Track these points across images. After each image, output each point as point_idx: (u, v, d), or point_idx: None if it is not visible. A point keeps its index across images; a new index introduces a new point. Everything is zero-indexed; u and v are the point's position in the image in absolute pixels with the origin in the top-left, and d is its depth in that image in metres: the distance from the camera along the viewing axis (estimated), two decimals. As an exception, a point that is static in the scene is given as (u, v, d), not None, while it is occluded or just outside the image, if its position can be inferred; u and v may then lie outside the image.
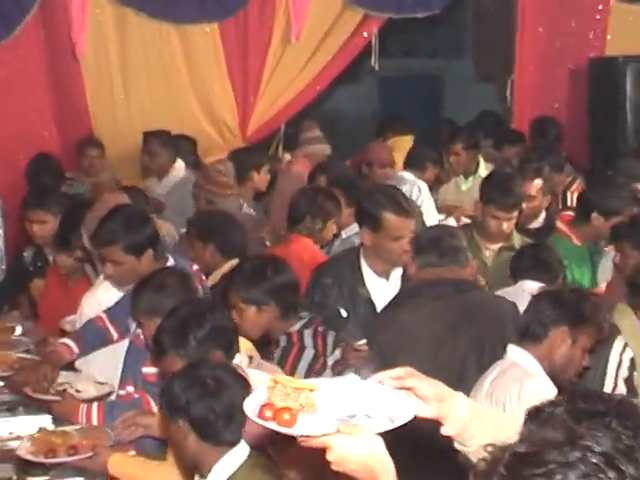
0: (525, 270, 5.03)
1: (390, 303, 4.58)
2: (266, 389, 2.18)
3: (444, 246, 4.38)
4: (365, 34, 8.53)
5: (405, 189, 6.39)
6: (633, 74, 9.20)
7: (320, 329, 4.50)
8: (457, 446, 2.44)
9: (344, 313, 4.78)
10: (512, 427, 2.03)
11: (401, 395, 2.27)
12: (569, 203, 7.21)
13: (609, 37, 9.47)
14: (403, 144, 8.52)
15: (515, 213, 5.51)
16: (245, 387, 3.14)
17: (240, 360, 3.76)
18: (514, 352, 3.89)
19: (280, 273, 4.42)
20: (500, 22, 10.27)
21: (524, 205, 5.79)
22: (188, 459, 3.26)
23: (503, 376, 3.80)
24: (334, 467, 2.14)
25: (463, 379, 4.14)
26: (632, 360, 4.30)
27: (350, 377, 2.27)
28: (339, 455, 2.12)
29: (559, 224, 5.89)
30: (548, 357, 3.81)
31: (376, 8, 8.40)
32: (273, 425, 2.12)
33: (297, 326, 4.49)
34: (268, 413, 2.13)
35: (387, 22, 8.60)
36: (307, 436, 2.12)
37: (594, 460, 1.65)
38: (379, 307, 4.73)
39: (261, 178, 7.09)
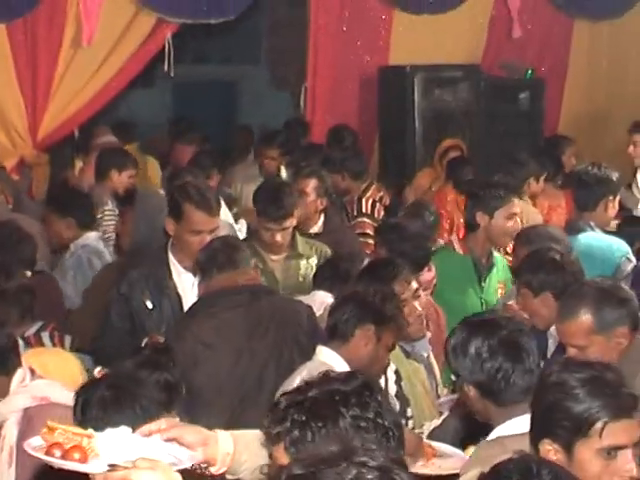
0: (322, 280, 5.07)
1: (186, 313, 4.63)
2: (42, 436, 2.20)
3: (222, 259, 4.46)
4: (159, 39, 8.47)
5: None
6: (420, 83, 9.44)
7: (57, 332, 4.66)
8: (229, 477, 2.55)
9: (150, 305, 4.82)
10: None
11: (171, 445, 2.37)
12: (364, 210, 7.36)
13: (394, 46, 9.69)
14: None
15: (287, 223, 5.42)
16: None
17: (23, 375, 3.70)
18: (323, 352, 3.97)
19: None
20: (293, 30, 10.45)
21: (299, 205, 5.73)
22: None
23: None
24: None
25: (263, 386, 4.22)
26: (397, 372, 4.36)
27: (122, 428, 2.29)
28: None
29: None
30: (355, 356, 3.91)
31: (170, 13, 8.34)
32: (67, 463, 2.13)
33: (34, 329, 4.64)
34: (57, 452, 2.14)
35: (181, 27, 8.56)
36: (106, 471, 2.13)
37: (370, 477, 1.74)
38: (185, 300, 4.80)
39: (121, 179, 7.04)
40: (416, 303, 4.57)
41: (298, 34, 9.84)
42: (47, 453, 2.14)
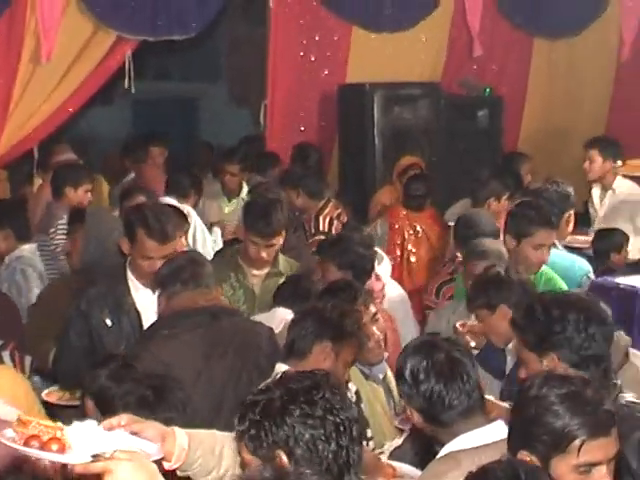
0: (282, 299, 5.07)
1: (144, 334, 4.62)
2: (14, 429, 2.26)
3: (185, 275, 4.45)
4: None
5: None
6: (380, 100, 9.42)
7: (17, 352, 4.67)
8: (180, 473, 2.59)
9: (109, 322, 4.80)
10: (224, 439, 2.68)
11: (136, 438, 2.47)
12: (321, 227, 7.39)
13: (352, 64, 9.69)
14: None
15: (275, 240, 5.45)
16: None
17: None
18: (281, 370, 3.92)
19: None
20: (253, 47, 10.44)
21: None
22: None
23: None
24: None
25: (221, 408, 4.20)
26: (357, 393, 4.36)
27: (89, 422, 2.38)
28: (119, 478, 2.19)
29: None
30: None
31: (129, 30, 8.32)
32: (47, 454, 2.21)
33: None
34: (35, 444, 2.21)
35: (142, 44, 8.54)
36: (85, 462, 2.21)
37: None
38: (145, 317, 4.82)
39: (77, 195, 7.00)
40: (374, 327, 4.56)
41: (258, 52, 9.82)
42: (25, 445, 2.21)
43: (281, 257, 5.64)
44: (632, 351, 4.12)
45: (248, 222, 5.49)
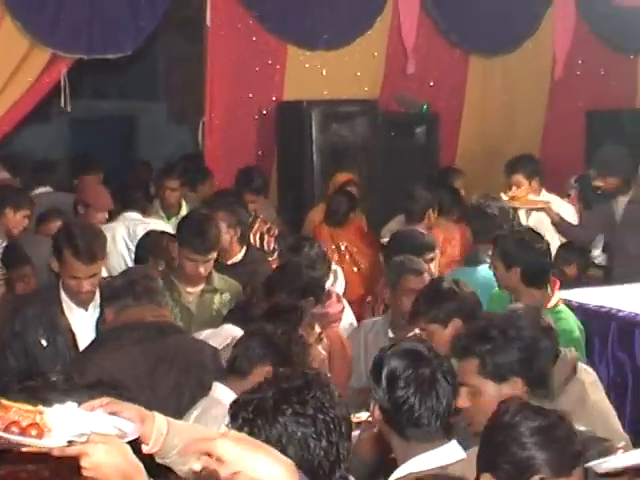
0: (229, 313, 5.07)
1: (89, 346, 4.59)
2: None
3: (139, 288, 4.45)
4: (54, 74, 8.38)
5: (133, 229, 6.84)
6: (317, 118, 9.42)
7: None
8: (158, 460, 2.69)
9: (44, 342, 4.79)
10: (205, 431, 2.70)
11: (116, 418, 2.53)
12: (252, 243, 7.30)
13: (289, 81, 9.70)
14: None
15: (211, 255, 5.42)
16: None
17: None
18: (218, 389, 3.95)
19: None
20: (191, 65, 10.43)
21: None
22: None
23: (205, 414, 3.86)
24: (87, 473, 2.28)
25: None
26: None
27: (68, 404, 2.43)
28: (95, 461, 2.26)
29: None
30: None
31: (64, 48, 8.26)
32: (26, 440, 2.27)
33: None
34: (15, 430, 2.28)
35: (78, 62, 8.48)
36: (62, 447, 2.28)
37: None
38: (79, 336, 4.82)
39: (16, 218, 6.90)
40: (320, 347, 4.56)
41: (196, 69, 9.80)
42: (5, 430, 2.27)
43: (215, 274, 5.61)
44: (582, 366, 4.14)
45: (183, 238, 5.46)
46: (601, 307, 6.11)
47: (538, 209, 7.47)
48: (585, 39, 10.81)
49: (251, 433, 2.55)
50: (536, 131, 10.88)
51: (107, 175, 9.26)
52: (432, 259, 5.91)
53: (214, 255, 5.46)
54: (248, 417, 2.63)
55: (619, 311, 6.04)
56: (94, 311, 4.92)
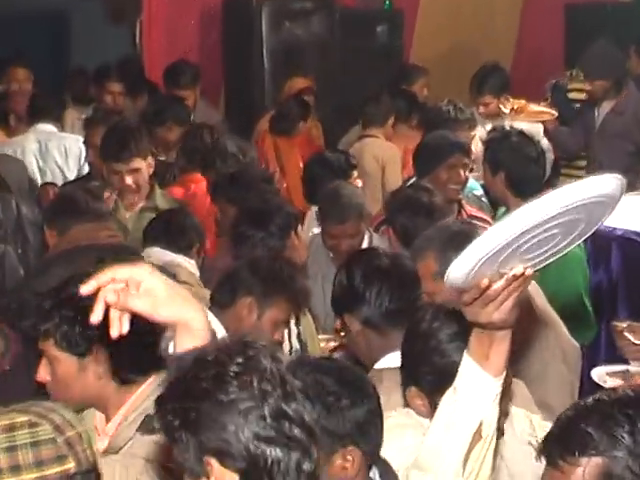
0: (155, 236, 4.71)
1: (38, 269, 4.16)
2: None
3: (82, 205, 4.38)
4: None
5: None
6: (268, 15, 9.02)
7: None
8: None
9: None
10: None
11: None
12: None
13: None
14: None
15: (135, 164, 5.22)
16: None
17: None
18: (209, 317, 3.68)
19: None
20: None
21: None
22: None
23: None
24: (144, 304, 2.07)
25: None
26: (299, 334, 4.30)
27: None
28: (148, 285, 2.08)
29: None
30: (234, 325, 3.66)
31: None
32: None
33: None
34: None
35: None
36: None
37: None
38: None
39: None
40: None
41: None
42: None
43: (158, 192, 5.45)
44: None
45: (105, 150, 5.35)
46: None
47: (544, 121, 6.99)
48: None
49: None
50: (512, 28, 10.29)
51: (35, 81, 8.43)
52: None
53: (141, 164, 5.27)
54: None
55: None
56: None
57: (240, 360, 1.82)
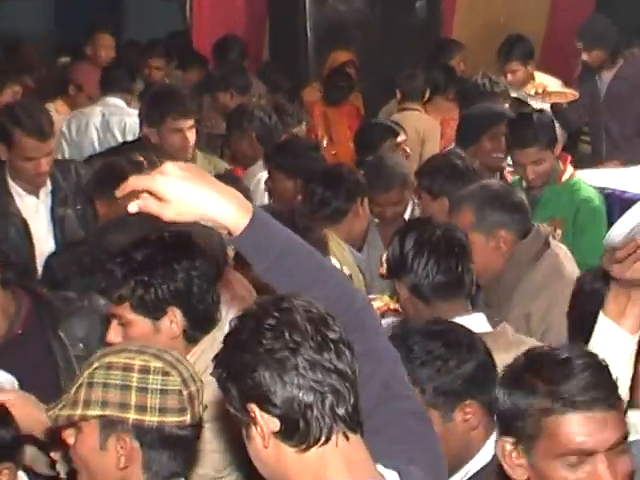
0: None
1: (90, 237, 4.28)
2: None
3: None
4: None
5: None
6: None
7: None
8: None
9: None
10: None
11: None
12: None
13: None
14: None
15: (192, 123, 5.25)
16: None
17: None
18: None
19: None
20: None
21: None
22: None
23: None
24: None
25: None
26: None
27: None
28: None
29: None
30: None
31: None
32: None
33: None
34: None
35: None
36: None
37: None
38: (32, 224, 4.66)
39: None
40: None
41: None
42: None
43: (200, 154, 5.51)
44: (555, 242, 4.21)
45: (166, 107, 5.23)
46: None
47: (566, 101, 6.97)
48: None
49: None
50: (544, 3, 10.08)
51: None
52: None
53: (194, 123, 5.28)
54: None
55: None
56: (46, 198, 4.74)
57: (275, 313, 1.90)
